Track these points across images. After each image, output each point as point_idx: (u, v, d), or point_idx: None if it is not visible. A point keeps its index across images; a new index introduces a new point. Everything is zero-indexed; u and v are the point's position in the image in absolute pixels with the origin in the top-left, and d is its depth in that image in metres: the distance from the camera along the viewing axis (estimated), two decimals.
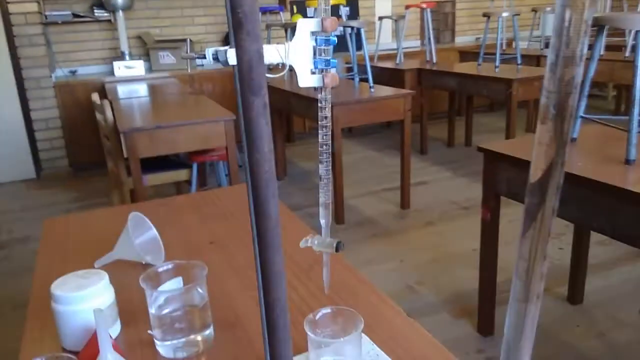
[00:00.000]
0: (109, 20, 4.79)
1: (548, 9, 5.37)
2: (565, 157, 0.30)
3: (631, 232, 1.50)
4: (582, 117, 1.85)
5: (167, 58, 4.87)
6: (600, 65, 4.20)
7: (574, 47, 0.26)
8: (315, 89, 0.63)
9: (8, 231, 3.44)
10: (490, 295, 2.08)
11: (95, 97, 3.12)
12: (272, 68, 0.75)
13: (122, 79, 4.57)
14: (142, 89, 4.14)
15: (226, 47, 0.56)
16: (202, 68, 5.04)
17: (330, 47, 0.61)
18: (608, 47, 4.56)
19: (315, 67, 0.61)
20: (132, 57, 4.79)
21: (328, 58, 0.61)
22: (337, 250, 0.65)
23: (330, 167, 0.68)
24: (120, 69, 4.62)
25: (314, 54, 0.61)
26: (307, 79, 0.62)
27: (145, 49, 4.98)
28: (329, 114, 0.63)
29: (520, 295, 0.33)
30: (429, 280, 2.55)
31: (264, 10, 5.24)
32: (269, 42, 4.50)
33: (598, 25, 1.78)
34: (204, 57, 0.56)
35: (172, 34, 5.08)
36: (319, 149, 0.66)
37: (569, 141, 0.29)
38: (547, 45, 5.30)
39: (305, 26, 0.59)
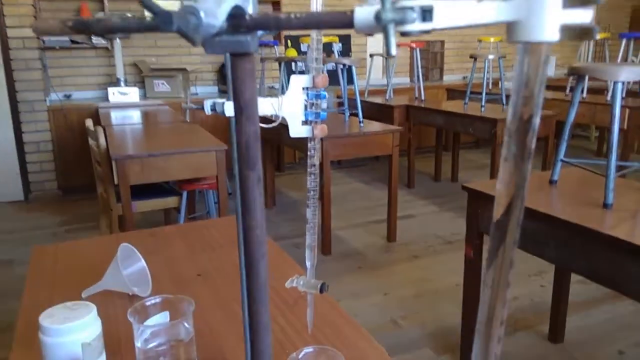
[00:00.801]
0: (106, 47, 4.87)
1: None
2: (525, 194, 0.33)
3: (608, 274, 1.54)
4: (562, 160, 1.92)
5: (162, 86, 4.94)
6: (583, 107, 4.33)
7: (532, 86, 0.30)
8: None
9: None
10: (473, 331, 2.10)
11: (89, 122, 3.16)
12: (266, 119, 0.79)
13: (116, 105, 4.62)
14: (135, 116, 4.18)
15: (223, 100, 0.60)
16: (195, 97, 5.11)
17: (321, 101, 0.66)
18: (591, 90, 4.71)
19: (306, 119, 0.66)
20: (127, 84, 4.85)
21: (318, 111, 0.66)
22: (321, 291, 0.68)
23: (318, 209, 0.71)
24: (115, 94, 4.68)
25: (305, 106, 0.65)
26: (298, 130, 0.66)
27: (141, 76, 5.05)
28: (317, 162, 0.67)
29: (485, 320, 0.36)
30: (413, 315, 2.56)
31: (260, 45, 5.35)
32: (262, 74, 4.60)
33: (579, 74, 1.86)
34: (202, 108, 0.61)
35: (168, 63, 5.16)
36: (307, 193, 0.70)
37: (528, 178, 0.32)
38: None
39: (298, 82, 0.64)
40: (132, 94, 4.75)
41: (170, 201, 3.12)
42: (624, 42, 5.06)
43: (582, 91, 4.53)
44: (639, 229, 1.59)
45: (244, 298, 0.32)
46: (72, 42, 4.74)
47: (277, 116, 0.64)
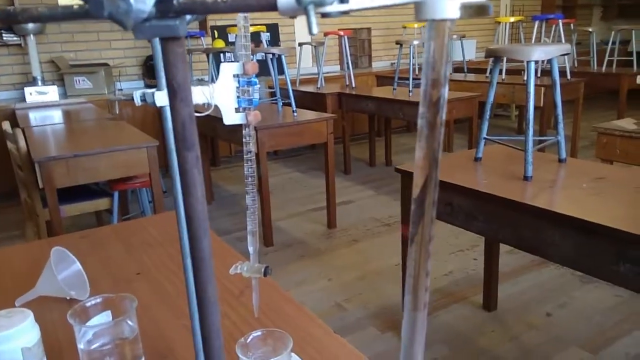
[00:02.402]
0: (19, 44, 4.57)
1: (454, 36, 5.77)
2: (438, 172, 0.35)
3: (532, 242, 1.66)
4: (485, 138, 2.03)
5: (83, 83, 4.71)
6: (503, 88, 4.58)
7: (439, 69, 0.32)
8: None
9: None
10: None
11: (6, 125, 2.97)
12: (199, 107, 0.79)
13: (34, 105, 4.36)
14: (56, 116, 3.97)
15: (153, 90, 0.60)
16: (120, 92, 4.91)
17: (252, 88, 0.67)
18: (510, 71, 4.98)
19: (239, 106, 0.67)
20: (45, 83, 4.58)
21: (250, 97, 0.67)
22: (265, 275, 0.70)
23: (257, 197, 0.73)
24: (32, 94, 4.41)
25: (237, 94, 0.66)
26: (231, 117, 0.67)
27: (59, 73, 4.79)
28: (253, 149, 0.68)
29: (410, 289, 0.38)
30: (356, 297, 2.63)
31: (186, 36, 5.22)
32: (190, 67, 4.48)
33: (495, 56, 1.97)
34: (132, 100, 0.60)
35: (88, 58, 4.93)
36: (245, 180, 0.71)
37: (439, 157, 0.35)
38: (455, 70, 5.69)
39: (229, 69, 0.64)
40: (51, 92, 4.50)
41: (101, 203, 3.00)
42: (536, 24, 5.38)
43: (501, 72, 4.78)
44: (557, 198, 1.72)
45: (189, 277, 0.33)
46: None
47: (209, 104, 0.65)
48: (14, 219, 3.92)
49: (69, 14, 0.27)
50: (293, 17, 0.28)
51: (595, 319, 2.35)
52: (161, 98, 0.58)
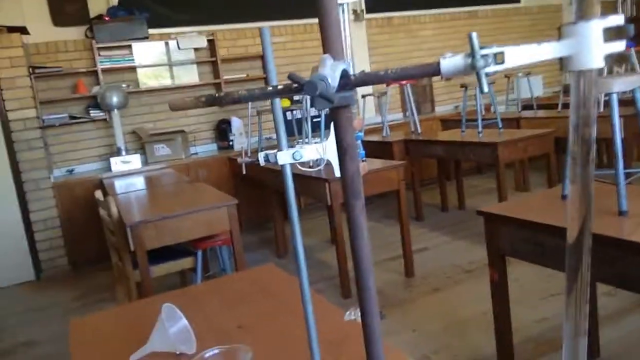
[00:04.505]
0: (104, 119, 4.98)
1: (520, 74, 5.70)
2: (592, 214, 0.36)
3: (634, 279, 1.55)
4: None
5: (162, 150, 5.02)
6: None
7: (589, 106, 0.34)
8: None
9: (12, 335, 3.37)
10: (509, 355, 2.08)
11: (98, 194, 3.20)
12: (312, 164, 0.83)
13: (119, 174, 4.68)
14: (139, 182, 4.24)
15: (275, 151, 0.64)
16: (196, 156, 5.19)
17: (359, 142, 0.70)
18: None
19: None
20: (128, 152, 4.93)
21: (357, 150, 0.70)
22: (381, 318, 0.70)
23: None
24: (117, 164, 4.75)
25: None
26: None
27: (141, 142, 5.14)
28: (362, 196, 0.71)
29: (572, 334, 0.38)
30: (444, 348, 2.53)
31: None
32: (260, 126, 4.69)
33: None
34: (257, 161, 0.64)
35: (165, 127, 5.27)
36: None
37: (593, 200, 0.36)
38: (524, 108, 5.58)
39: None
40: (134, 161, 4.82)
41: (186, 262, 3.12)
42: None
43: (567, 106, 4.63)
44: None
45: (310, 320, 0.34)
46: (71, 117, 4.86)
47: (322, 160, 0.68)
48: (103, 282, 4.14)
49: (269, 94, 0.31)
50: (449, 79, 0.30)
51: None
52: (283, 158, 0.62)
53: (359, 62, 6.22)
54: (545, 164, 4.02)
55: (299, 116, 4.61)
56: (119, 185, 4.16)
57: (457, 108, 6.59)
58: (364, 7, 6.18)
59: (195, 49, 5.38)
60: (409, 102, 4.89)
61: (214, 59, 5.40)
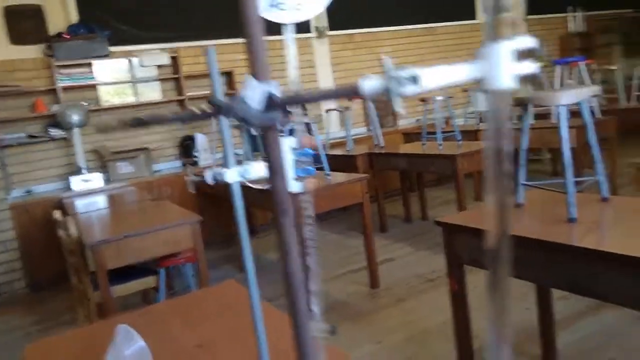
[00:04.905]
0: (65, 138, 4.88)
1: (477, 88, 5.88)
2: (510, 221, 0.39)
3: (586, 284, 1.62)
4: (523, 184, 2.03)
5: (125, 168, 4.95)
6: (532, 133, 4.58)
7: (502, 123, 0.37)
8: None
9: None
10: None
11: (57, 213, 3.13)
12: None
13: (79, 193, 4.58)
14: (100, 201, 4.16)
15: (224, 170, 0.66)
16: (160, 174, 5.13)
17: (308, 159, 0.73)
18: (537, 116, 5.01)
19: (297, 175, 0.72)
20: (89, 171, 4.83)
21: (307, 167, 0.72)
22: (332, 333, 0.73)
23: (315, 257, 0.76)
24: (78, 183, 4.65)
25: (295, 165, 0.72)
26: (291, 186, 0.72)
27: (102, 161, 5.05)
28: (312, 213, 0.73)
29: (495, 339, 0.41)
30: (408, 358, 2.56)
31: None
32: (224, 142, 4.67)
33: (524, 104, 2.02)
34: (203, 179, 0.66)
35: (128, 145, 5.20)
36: (306, 243, 0.75)
37: (511, 207, 0.39)
38: (482, 120, 5.75)
39: (287, 144, 0.71)
40: (95, 179, 4.73)
41: (148, 281, 3.07)
42: (558, 68, 5.46)
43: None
44: (606, 237, 1.70)
45: (261, 338, 0.36)
46: (30, 136, 4.74)
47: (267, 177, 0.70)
48: (63, 306, 4.02)
49: (194, 117, 0.33)
50: (372, 100, 0.33)
51: None
52: (231, 176, 0.64)
53: (323, 78, 6.30)
54: None
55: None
56: (79, 204, 4.07)
57: (418, 121, 6.73)
58: (326, 24, 6.28)
59: (158, 66, 5.35)
60: (372, 116, 4.98)
61: (177, 75, 5.38)
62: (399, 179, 5.29)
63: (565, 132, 1.82)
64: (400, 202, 5.25)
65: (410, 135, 5.91)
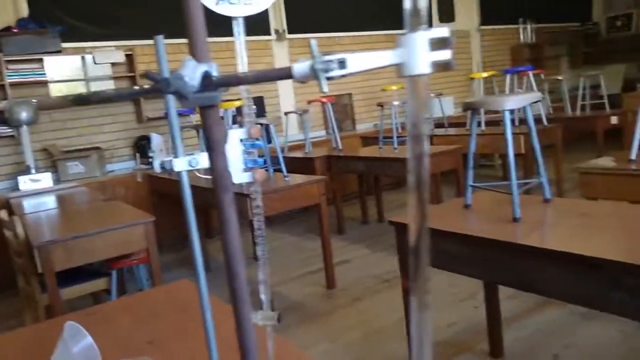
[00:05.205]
0: (12, 136, 4.70)
1: (432, 94, 6.03)
2: (428, 220, 0.42)
3: (528, 281, 1.70)
4: (471, 186, 2.11)
5: (76, 167, 4.80)
6: (485, 139, 4.74)
7: (420, 114, 0.40)
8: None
9: None
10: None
11: (2, 213, 3.01)
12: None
13: (28, 193, 4.41)
14: (50, 201, 4.02)
15: (171, 158, 0.67)
16: (113, 174, 5.01)
17: (257, 150, 0.74)
18: (488, 123, 5.18)
19: (246, 166, 0.74)
20: (38, 170, 4.66)
21: (255, 158, 0.74)
22: (279, 321, 0.74)
23: (266, 248, 0.78)
24: (26, 182, 4.48)
25: (244, 155, 0.73)
26: (239, 177, 0.74)
27: (52, 160, 4.89)
28: (260, 203, 0.75)
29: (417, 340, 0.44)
30: (362, 357, 2.61)
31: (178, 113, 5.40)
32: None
33: (472, 108, 2.10)
34: (151, 167, 0.67)
35: (80, 144, 5.05)
36: (255, 233, 0.77)
37: (428, 205, 0.42)
38: (437, 126, 5.90)
39: (235, 134, 0.72)
40: (45, 179, 4.57)
41: (99, 283, 3.00)
42: (508, 77, 5.67)
43: (480, 124, 4.98)
44: (547, 235, 1.78)
45: (210, 332, 0.38)
46: None
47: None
48: (8, 309, 3.86)
49: (135, 93, 0.34)
50: (304, 82, 0.36)
51: (602, 355, 2.34)
52: (179, 164, 0.65)
53: (283, 81, 6.31)
54: (455, 177, 4.27)
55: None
56: (28, 204, 3.93)
57: (376, 126, 6.84)
58: (285, 27, 6.30)
59: (113, 64, 5.23)
60: (331, 120, 5.03)
61: (132, 74, 5.27)
62: (357, 182, 5.35)
63: (509, 135, 1.90)
64: (358, 205, 5.32)
65: (368, 139, 6.00)
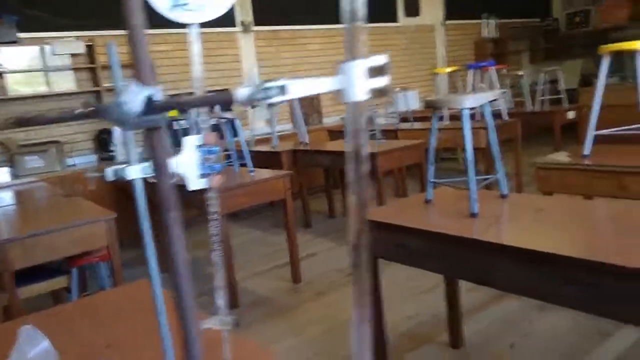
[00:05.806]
0: None
1: (397, 89, 6.10)
2: (366, 215, 0.44)
3: (484, 275, 1.76)
4: (432, 182, 2.16)
5: (34, 162, 4.66)
6: (448, 133, 4.83)
7: (359, 130, 0.41)
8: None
9: None
10: (383, 353, 2.23)
11: None
12: None
13: None
14: (6, 197, 3.89)
15: (124, 165, 0.67)
16: (73, 168, 4.89)
17: (213, 156, 0.75)
18: (453, 117, 5.28)
19: (203, 172, 0.74)
20: None
21: (212, 164, 0.75)
22: (236, 326, 0.75)
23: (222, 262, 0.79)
24: None
25: (201, 162, 0.74)
26: (196, 183, 0.74)
27: (9, 154, 4.73)
28: (217, 209, 0.75)
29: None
30: (326, 351, 2.64)
31: None
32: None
33: (433, 107, 2.14)
34: (103, 176, 0.66)
35: (38, 137, 4.90)
36: (211, 239, 0.78)
37: (367, 203, 0.44)
38: (402, 120, 5.97)
39: (191, 141, 0.72)
40: (1, 174, 4.42)
41: (59, 281, 2.93)
42: (471, 72, 5.77)
43: (443, 118, 5.07)
44: (503, 231, 1.84)
45: (166, 339, 0.39)
46: None
47: (174, 174, 0.72)
48: None
49: (78, 117, 0.35)
50: (247, 106, 0.36)
51: (556, 343, 2.44)
52: (132, 172, 0.65)
53: (249, 73, 6.26)
54: (419, 172, 4.34)
55: (187, 126, 4.54)
56: None
57: (342, 119, 6.87)
58: (251, 18, 6.25)
59: (73, 55, 5.08)
60: (297, 114, 5.03)
61: (93, 65, 5.14)
62: (323, 176, 5.38)
63: (468, 133, 1.95)
64: (325, 199, 5.35)
65: (335, 133, 6.02)
